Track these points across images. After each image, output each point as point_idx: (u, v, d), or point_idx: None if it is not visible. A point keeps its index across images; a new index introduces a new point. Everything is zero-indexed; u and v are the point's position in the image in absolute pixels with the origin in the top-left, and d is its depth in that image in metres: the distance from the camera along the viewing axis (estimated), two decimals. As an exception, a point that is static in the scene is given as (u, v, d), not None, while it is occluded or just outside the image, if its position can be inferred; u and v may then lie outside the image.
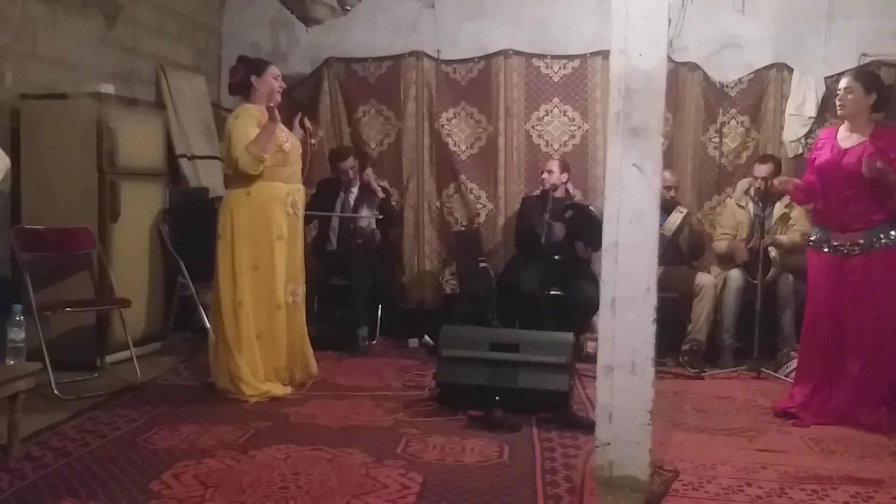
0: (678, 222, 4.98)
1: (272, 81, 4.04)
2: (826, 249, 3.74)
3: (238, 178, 3.96)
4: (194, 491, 2.71)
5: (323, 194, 5.43)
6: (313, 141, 4.45)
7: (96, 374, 4.28)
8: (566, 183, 5.32)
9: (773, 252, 4.80)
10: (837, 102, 3.77)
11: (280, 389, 3.99)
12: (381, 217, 5.39)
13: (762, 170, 4.98)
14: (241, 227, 3.91)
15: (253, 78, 4.02)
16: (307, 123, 4.28)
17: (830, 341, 3.72)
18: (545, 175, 5.27)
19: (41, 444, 3.14)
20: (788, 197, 5.07)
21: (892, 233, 3.63)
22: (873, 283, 3.65)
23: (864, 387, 3.67)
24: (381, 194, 5.32)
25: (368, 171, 5.36)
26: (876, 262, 3.65)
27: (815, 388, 3.74)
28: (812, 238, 3.86)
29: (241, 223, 3.91)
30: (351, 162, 5.35)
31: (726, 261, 5.10)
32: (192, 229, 4.79)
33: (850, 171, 3.62)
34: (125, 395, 3.93)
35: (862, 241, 3.65)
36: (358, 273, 5.11)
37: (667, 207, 4.89)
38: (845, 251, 3.69)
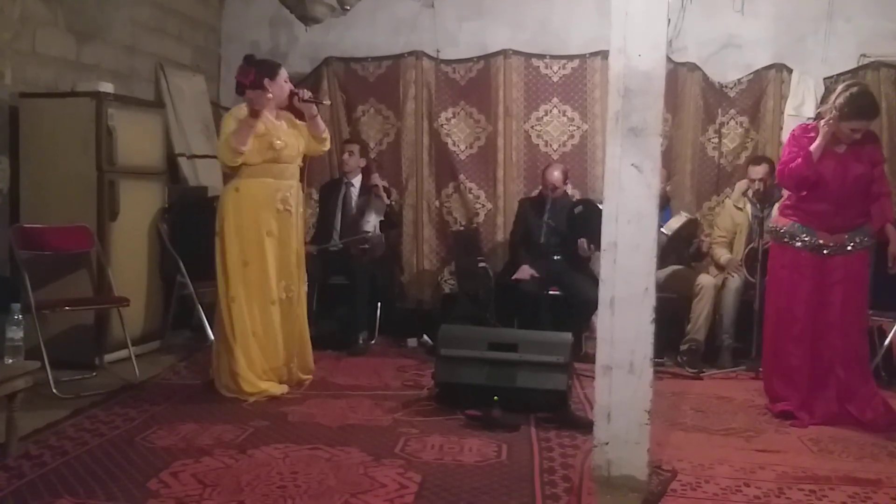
0: (678, 226, 4.95)
1: (284, 85, 4.03)
2: (802, 247, 3.76)
3: (230, 175, 3.99)
4: (192, 490, 2.71)
5: (325, 197, 5.49)
6: (326, 101, 4.45)
7: (95, 373, 4.28)
8: (565, 186, 5.32)
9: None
10: (851, 136, 3.66)
11: (277, 388, 3.98)
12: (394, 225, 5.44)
13: (757, 171, 4.98)
14: (230, 224, 3.92)
15: (266, 81, 3.97)
16: (306, 95, 4.12)
17: (813, 340, 3.76)
18: (550, 188, 5.19)
19: (40, 443, 3.14)
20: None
21: (869, 235, 3.76)
22: (854, 281, 3.75)
23: (852, 382, 3.74)
24: (387, 201, 5.32)
25: (376, 176, 5.36)
26: (855, 261, 3.75)
27: (810, 389, 3.76)
28: (786, 234, 3.82)
29: (229, 220, 3.92)
30: (357, 150, 5.38)
31: (723, 267, 5.10)
32: (190, 228, 4.78)
33: (857, 179, 3.68)
34: (123, 393, 3.93)
35: (846, 242, 3.74)
36: (361, 276, 5.11)
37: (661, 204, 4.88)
38: (827, 251, 3.74)
